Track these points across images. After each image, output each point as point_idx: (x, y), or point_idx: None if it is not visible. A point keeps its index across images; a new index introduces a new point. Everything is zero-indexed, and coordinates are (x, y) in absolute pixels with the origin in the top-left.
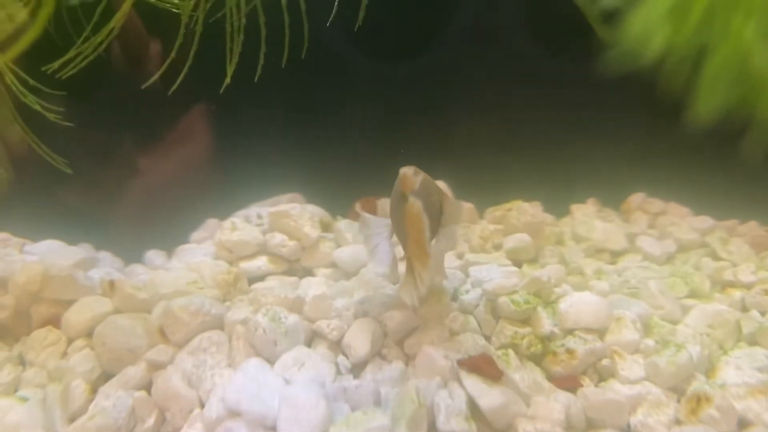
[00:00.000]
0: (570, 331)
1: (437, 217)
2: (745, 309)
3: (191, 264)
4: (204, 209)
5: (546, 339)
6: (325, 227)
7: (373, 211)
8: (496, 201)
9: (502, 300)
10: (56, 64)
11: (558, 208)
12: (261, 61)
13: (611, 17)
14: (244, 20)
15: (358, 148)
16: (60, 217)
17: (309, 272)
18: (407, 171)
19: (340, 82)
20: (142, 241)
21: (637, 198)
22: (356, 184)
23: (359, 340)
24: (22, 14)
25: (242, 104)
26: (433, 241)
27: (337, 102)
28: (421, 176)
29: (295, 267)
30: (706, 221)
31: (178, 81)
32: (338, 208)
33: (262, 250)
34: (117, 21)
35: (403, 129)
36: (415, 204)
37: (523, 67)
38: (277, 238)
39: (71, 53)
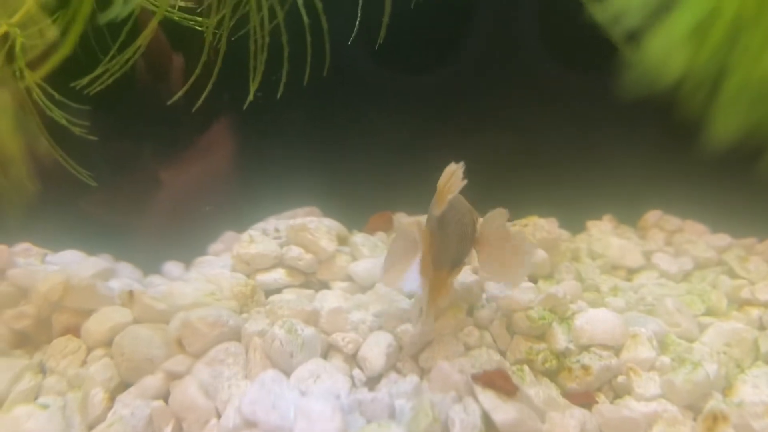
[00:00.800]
0: (585, 348)
1: (469, 238)
2: (762, 327)
3: (209, 276)
4: (222, 222)
5: (561, 355)
6: (342, 241)
7: (387, 226)
8: (512, 216)
9: (518, 315)
10: (85, 80)
11: (574, 224)
12: (284, 79)
13: (632, 37)
14: (267, 38)
15: (374, 163)
16: (80, 227)
17: (325, 285)
18: (444, 183)
19: (358, 97)
20: (160, 252)
21: (653, 215)
22: (373, 198)
23: (374, 353)
24: (52, 31)
25: (261, 118)
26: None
27: (354, 116)
28: (453, 195)
29: (311, 280)
30: (723, 239)
31: (203, 97)
32: (354, 222)
33: (279, 262)
34: (144, 38)
35: (420, 143)
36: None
37: (540, 83)
38: (294, 251)
39: (99, 70)
